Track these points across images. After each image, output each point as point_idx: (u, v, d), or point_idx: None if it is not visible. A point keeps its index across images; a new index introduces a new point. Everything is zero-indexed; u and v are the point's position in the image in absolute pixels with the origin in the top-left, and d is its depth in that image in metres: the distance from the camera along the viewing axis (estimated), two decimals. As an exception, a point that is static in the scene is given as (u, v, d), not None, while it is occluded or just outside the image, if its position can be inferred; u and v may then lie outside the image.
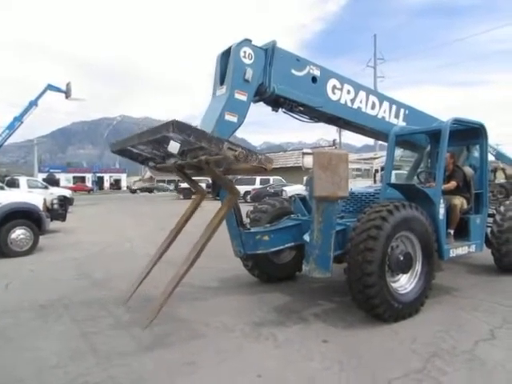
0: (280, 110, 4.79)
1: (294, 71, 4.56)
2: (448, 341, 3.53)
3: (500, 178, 14.25)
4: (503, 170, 14.29)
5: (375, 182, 16.22)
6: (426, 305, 4.32)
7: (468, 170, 5.45)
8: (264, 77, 4.34)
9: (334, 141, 33.51)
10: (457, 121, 4.92)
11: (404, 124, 5.66)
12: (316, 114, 5.00)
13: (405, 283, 4.23)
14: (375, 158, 19.63)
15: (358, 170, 18.98)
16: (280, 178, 26.47)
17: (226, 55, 4.33)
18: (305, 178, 10.09)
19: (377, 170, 18.27)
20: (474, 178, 5.40)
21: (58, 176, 52.99)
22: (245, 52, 4.19)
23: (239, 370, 3.06)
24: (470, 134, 5.33)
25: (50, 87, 25.35)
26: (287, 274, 5.66)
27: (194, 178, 4.76)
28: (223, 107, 4.01)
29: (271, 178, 26.26)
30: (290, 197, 6.36)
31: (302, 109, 4.77)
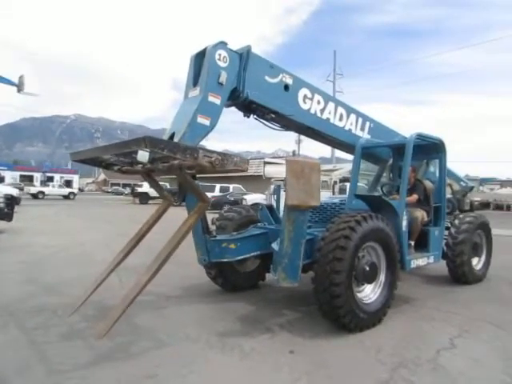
0: (252, 116, 4.74)
1: (267, 78, 4.54)
2: (411, 350, 3.60)
3: (447, 194, 15.08)
4: (450, 185, 15.16)
5: (334, 193, 16.60)
6: (388, 315, 4.40)
7: (428, 183, 5.67)
8: (238, 81, 4.27)
9: (293, 151, 34.09)
10: (419, 136, 5.10)
11: (369, 136, 5.81)
12: (287, 123, 5.00)
13: (369, 293, 4.28)
14: (334, 170, 20.12)
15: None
16: (240, 186, 26.42)
17: (200, 57, 4.23)
18: (272, 187, 10.10)
19: (335, 182, 18.72)
20: (433, 192, 5.62)
21: (2, 174, 49.75)
22: (220, 55, 4.11)
23: (204, 382, 2.93)
24: (429, 149, 5.55)
25: (1, 79, 23.79)
26: (251, 283, 5.57)
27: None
28: (196, 109, 3.89)
29: (231, 186, 26.16)
30: (253, 205, 6.32)
31: (273, 116, 4.74)
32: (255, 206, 6.60)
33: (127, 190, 63.52)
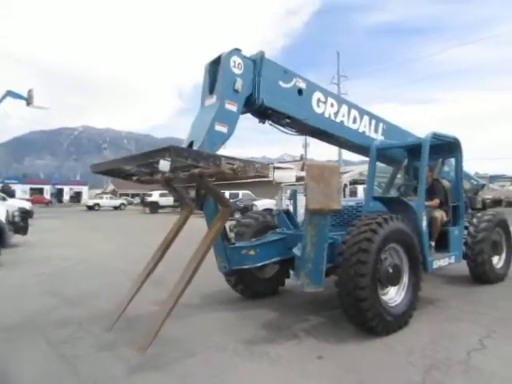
0: (266, 122, 4.76)
1: (281, 83, 4.55)
2: (441, 352, 3.55)
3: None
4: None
5: (345, 195, 16.52)
6: (413, 317, 4.35)
7: (446, 183, 5.62)
8: (253, 88, 4.30)
9: (301, 155, 34.03)
10: (435, 135, 5.07)
11: (382, 138, 5.79)
12: (301, 127, 5.01)
13: (394, 295, 4.24)
14: (344, 173, 20.05)
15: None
16: (249, 192, 26.42)
17: (214, 64, 4.26)
18: (288, 192, 10.10)
19: (345, 185, 18.64)
20: (450, 191, 5.57)
21: (13, 187, 50.32)
22: (234, 62, 4.14)
23: (237, 391, 2.92)
24: (444, 148, 5.51)
25: (11, 94, 24.18)
26: (271, 289, 5.55)
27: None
28: (213, 117, 3.92)
29: (240, 193, 26.16)
30: (264, 210, 6.33)
31: (288, 121, 4.76)
32: (267, 211, 6.60)
33: (136, 200, 63.86)
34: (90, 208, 39.36)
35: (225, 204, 3.81)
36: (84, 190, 75.36)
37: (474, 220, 6.04)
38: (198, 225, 5.70)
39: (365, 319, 3.82)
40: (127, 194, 77.47)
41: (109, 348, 3.72)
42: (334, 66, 36.65)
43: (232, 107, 4.09)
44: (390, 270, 4.12)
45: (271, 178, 3.65)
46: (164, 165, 3.26)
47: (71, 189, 73.81)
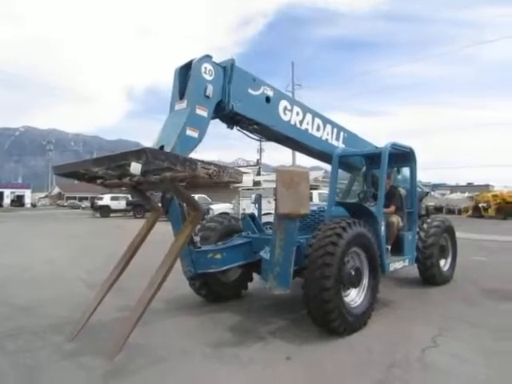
0: (234, 127, 4.81)
1: (250, 90, 4.64)
2: (399, 351, 3.76)
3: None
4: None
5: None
6: (371, 318, 4.55)
7: (402, 190, 5.96)
8: (223, 94, 4.34)
9: (257, 160, 34.43)
10: (394, 145, 5.38)
11: (343, 146, 6.03)
12: (268, 133, 5.12)
13: (354, 297, 4.43)
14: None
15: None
16: (205, 196, 26.24)
17: (184, 69, 4.27)
18: (253, 196, 10.17)
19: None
20: (405, 198, 5.92)
21: None
22: (205, 68, 4.17)
23: (212, 394, 2.92)
24: (401, 157, 5.85)
25: None
26: (234, 293, 5.59)
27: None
28: (185, 122, 3.91)
29: (196, 196, 25.87)
30: (221, 214, 6.37)
31: (256, 127, 4.85)
32: (223, 215, 6.62)
33: (84, 204, 61.12)
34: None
35: (196, 208, 3.81)
36: (27, 193, 70.93)
37: (425, 226, 6.43)
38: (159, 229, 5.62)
39: (328, 320, 3.95)
40: (74, 198, 74.02)
41: (71, 357, 3.57)
42: (287, 75, 37.39)
43: (203, 112, 4.10)
44: (352, 273, 4.31)
45: (242, 183, 3.70)
46: (135, 167, 3.19)
47: (12, 192, 69.22)
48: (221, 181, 3.34)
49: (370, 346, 3.87)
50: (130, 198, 30.22)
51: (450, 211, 33.86)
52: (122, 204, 31.09)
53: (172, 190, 3.72)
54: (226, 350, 3.73)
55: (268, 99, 4.85)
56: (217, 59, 4.40)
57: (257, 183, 24.36)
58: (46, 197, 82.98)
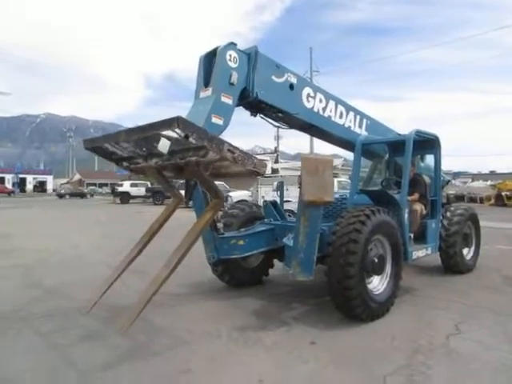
0: (258, 115, 4.83)
1: (274, 77, 4.62)
2: (423, 337, 3.78)
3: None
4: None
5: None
6: (394, 304, 4.57)
7: (426, 178, 5.89)
8: (247, 81, 4.34)
9: (275, 148, 34.33)
10: (418, 132, 5.31)
11: (366, 133, 5.98)
12: (291, 121, 5.11)
13: (377, 284, 4.44)
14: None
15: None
16: (223, 183, 26.40)
17: (209, 57, 4.28)
18: (274, 184, 10.22)
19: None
20: (429, 186, 5.85)
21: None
22: (230, 55, 4.17)
23: (238, 375, 3.02)
24: (425, 144, 5.77)
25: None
26: (255, 279, 5.67)
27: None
28: (210, 110, 3.95)
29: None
30: (238, 201, 6.42)
31: (279, 115, 4.85)
32: (241, 202, 6.66)
33: (104, 190, 62.29)
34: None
35: (218, 195, 3.85)
36: (49, 179, 72.68)
37: (448, 214, 6.35)
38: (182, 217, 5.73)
39: (352, 306, 3.99)
40: (94, 184, 75.43)
41: (100, 337, 3.72)
42: (305, 61, 36.88)
43: (228, 100, 4.12)
44: (376, 260, 4.32)
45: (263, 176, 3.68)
46: (163, 145, 3.23)
47: (34, 178, 71.00)
48: (244, 168, 3.36)
49: (393, 332, 3.90)
50: (150, 185, 30.66)
51: (472, 200, 33.19)
52: (141, 191, 31.57)
53: (195, 175, 3.74)
54: (250, 334, 3.81)
55: (292, 86, 4.83)
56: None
57: (275, 171, 24.31)
58: (67, 183, 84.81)
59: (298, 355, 3.36)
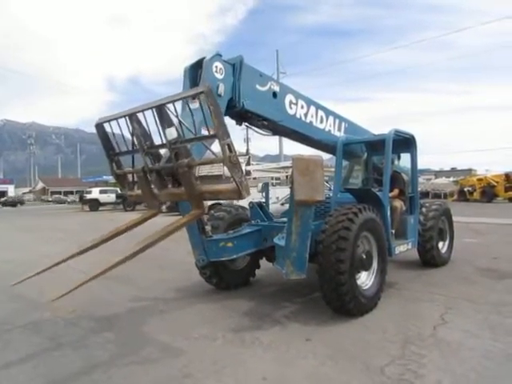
0: (243, 124, 4.88)
1: (258, 86, 4.69)
2: (412, 328, 3.93)
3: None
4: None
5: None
6: (380, 299, 4.72)
7: (404, 175, 6.11)
8: (233, 92, 4.38)
9: (247, 150, 34.45)
10: (396, 132, 5.52)
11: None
12: (275, 128, 5.18)
13: (365, 279, 4.57)
14: (291, 167, 20.61)
15: (277, 178, 19.65)
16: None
17: (194, 69, 4.31)
18: (259, 185, 10.25)
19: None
20: (408, 183, 6.08)
21: None
22: (216, 67, 4.20)
23: (241, 375, 3.05)
24: (401, 143, 5.99)
25: None
26: (243, 281, 5.70)
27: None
28: (199, 122, 3.93)
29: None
30: (213, 205, 6.46)
31: (264, 123, 4.92)
32: (215, 206, 6.65)
33: (70, 198, 60.24)
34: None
35: (199, 206, 3.74)
36: (10, 188, 69.41)
37: (423, 209, 6.62)
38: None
39: (343, 302, 4.10)
40: (59, 192, 72.86)
41: (90, 347, 3.67)
42: (270, 63, 37.11)
43: None
44: (364, 256, 4.46)
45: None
46: (170, 132, 3.35)
47: (-6, 187, 67.73)
48: (230, 175, 3.33)
49: (383, 325, 4.04)
50: (120, 191, 29.95)
51: (436, 196, 34.54)
52: (111, 197, 30.80)
53: (185, 177, 3.67)
54: (246, 335, 3.84)
55: (275, 94, 4.91)
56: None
57: (248, 173, 24.37)
58: (29, 192, 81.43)
59: (296, 352, 3.42)
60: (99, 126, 4.06)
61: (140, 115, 3.70)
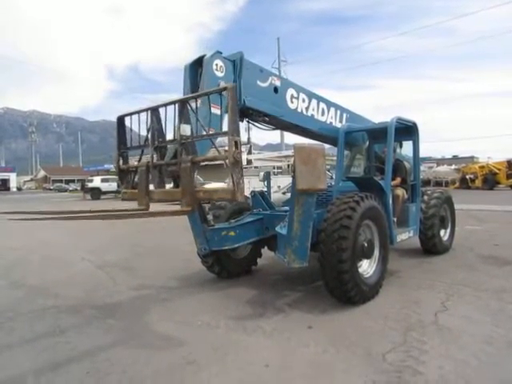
0: (244, 120, 4.85)
1: (259, 82, 4.65)
2: (413, 316, 3.95)
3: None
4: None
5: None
6: (381, 287, 4.75)
7: (406, 163, 6.09)
8: None
9: (248, 139, 34.34)
10: (399, 119, 5.48)
11: (346, 125, 6.09)
12: (277, 123, 5.16)
13: (367, 268, 4.59)
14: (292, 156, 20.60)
15: (279, 167, 19.61)
16: (197, 176, 26.23)
17: (194, 66, 4.27)
18: (261, 174, 10.25)
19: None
20: (409, 171, 6.06)
21: None
22: (217, 65, 4.17)
23: (244, 362, 3.07)
24: (404, 131, 5.95)
25: None
26: (245, 269, 5.72)
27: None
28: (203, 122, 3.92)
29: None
30: None
31: (266, 119, 4.88)
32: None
33: (71, 187, 60.39)
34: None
35: (189, 203, 3.75)
36: (12, 176, 69.50)
37: (425, 197, 6.62)
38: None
39: (345, 290, 4.12)
40: (61, 181, 73.01)
41: (96, 336, 3.69)
42: (271, 52, 36.79)
43: (217, 111, 4.06)
44: (365, 245, 4.47)
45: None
46: (184, 128, 3.42)
47: (-4, 176, 67.87)
48: (230, 169, 3.33)
49: (384, 312, 4.06)
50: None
51: (438, 183, 34.47)
52: (112, 186, 30.84)
53: (185, 173, 3.65)
54: (248, 323, 3.87)
55: (276, 89, 4.87)
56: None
57: (249, 162, 24.37)
58: (31, 180, 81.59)
59: (298, 340, 3.45)
60: (120, 120, 4.12)
61: (161, 110, 3.84)
